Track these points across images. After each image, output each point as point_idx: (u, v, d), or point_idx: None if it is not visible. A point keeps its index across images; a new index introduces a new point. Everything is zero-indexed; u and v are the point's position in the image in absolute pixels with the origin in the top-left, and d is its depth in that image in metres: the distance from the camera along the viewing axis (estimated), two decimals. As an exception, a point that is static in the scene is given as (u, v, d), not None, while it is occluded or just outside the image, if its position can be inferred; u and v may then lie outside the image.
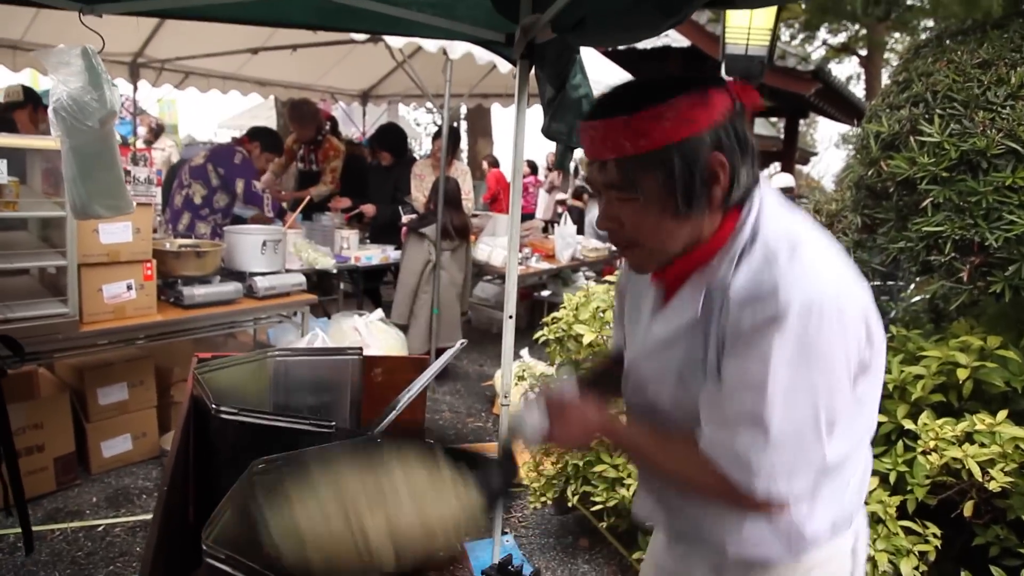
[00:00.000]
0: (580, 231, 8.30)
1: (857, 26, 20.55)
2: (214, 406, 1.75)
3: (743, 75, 3.72)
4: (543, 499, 3.18)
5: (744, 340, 1.02)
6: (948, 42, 2.76)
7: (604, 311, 2.92)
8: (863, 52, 20.23)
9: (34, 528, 3.05)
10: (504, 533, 3.16)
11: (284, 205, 5.49)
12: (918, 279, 2.69)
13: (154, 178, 3.22)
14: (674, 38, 9.82)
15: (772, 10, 3.53)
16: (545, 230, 7.89)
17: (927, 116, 2.47)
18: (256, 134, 4.76)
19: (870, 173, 2.65)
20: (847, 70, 21.67)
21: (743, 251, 1.06)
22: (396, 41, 4.20)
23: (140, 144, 7.41)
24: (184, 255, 3.59)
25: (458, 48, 4.45)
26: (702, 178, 1.03)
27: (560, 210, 9.96)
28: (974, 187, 2.33)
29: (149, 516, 3.25)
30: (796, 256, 1.02)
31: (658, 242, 1.09)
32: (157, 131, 8.32)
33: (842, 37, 21.12)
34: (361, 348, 2.35)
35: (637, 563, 2.86)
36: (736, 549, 1.18)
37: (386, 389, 2.30)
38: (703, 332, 1.10)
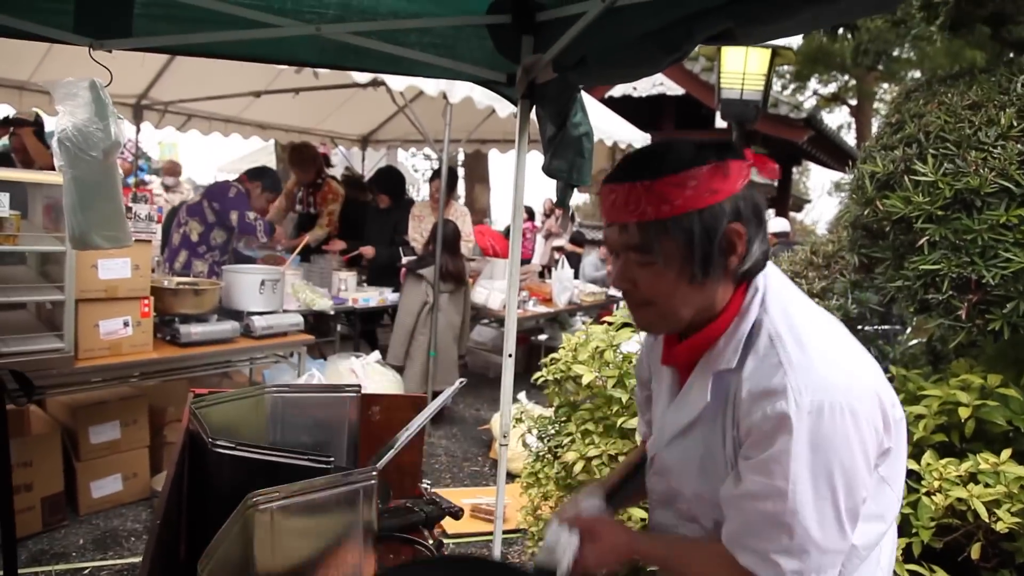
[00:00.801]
0: (576, 276, 8.32)
1: (846, 77, 21.07)
2: (211, 440, 1.73)
3: (738, 119, 3.78)
4: (540, 543, 3.12)
5: (756, 442, 1.03)
6: (938, 86, 2.82)
7: (603, 351, 2.91)
8: (853, 102, 20.68)
9: (19, 571, 2.98)
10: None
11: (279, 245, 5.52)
12: (916, 318, 2.69)
13: (155, 215, 3.23)
14: (669, 87, 10.02)
15: (766, 56, 3.60)
16: (541, 275, 7.91)
17: (920, 156, 2.50)
18: (257, 174, 4.80)
19: (866, 212, 2.67)
20: (838, 119, 22.10)
21: (749, 336, 1.08)
22: (397, 84, 4.27)
23: (158, 187, 7.48)
24: (182, 293, 3.58)
25: (458, 92, 4.53)
26: (720, 247, 1.05)
27: (557, 256, 10.01)
28: (969, 225, 2.35)
29: (137, 559, 3.18)
30: (803, 349, 1.03)
31: (671, 306, 1.10)
32: (176, 172, 8.40)
33: (832, 87, 21.62)
34: (359, 386, 2.33)
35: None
36: None
37: (383, 428, 2.28)
38: (719, 421, 1.11)
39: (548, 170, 2.21)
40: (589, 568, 1.22)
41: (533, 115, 2.35)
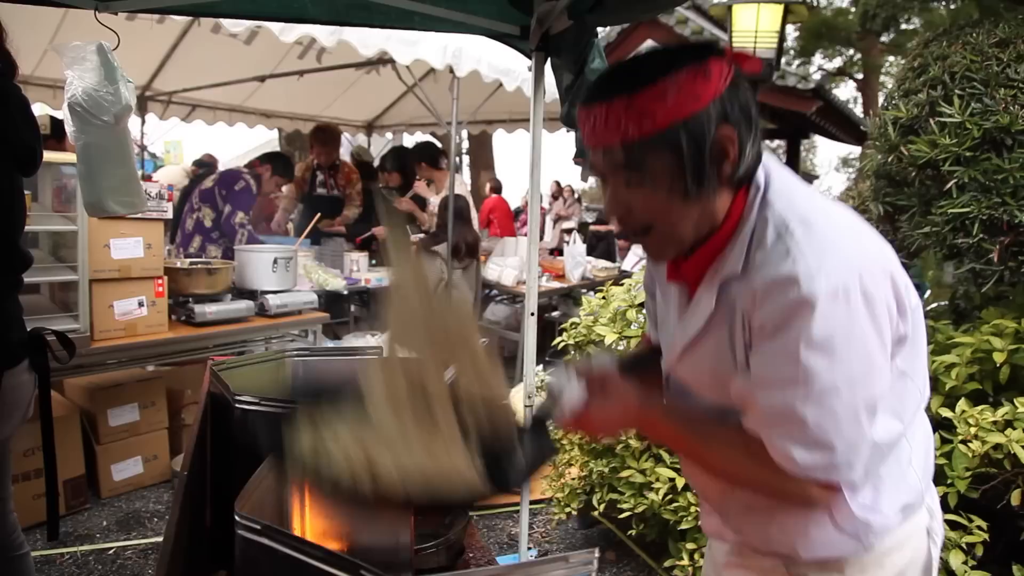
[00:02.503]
0: (610, 256, 8.29)
1: (852, 51, 20.86)
2: (234, 396, 1.69)
3: (751, 78, 3.69)
4: (568, 510, 3.08)
5: (769, 332, 0.97)
6: (960, 31, 2.75)
7: (624, 311, 2.87)
8: (859, 76, 20.48)
9: (42, 552, 2.98)
10: (529, 548, 3.06)
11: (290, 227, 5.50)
12: (942, 267, 2.63)
13: (165, 194, 3.19)
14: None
15: (779, 12, 3.53)
16: (551, 254, 7.87)
17: (946, 97, 2.44)
18: (268, 158, 4.78)
19: (890, 160, 2.62)
20: (844, 94, 21.87)
21: (754, 233, 1.01)
22: (404, 58, 4.22)
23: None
24: (195, 273, 3.55)
25: (465, 65, 4.48)
26: (711, 155, 0.98)
27: (567, 238, 9.97)
28: (999, 165, 2.29)
29: (161, 539, 3.17)
30: (812, 234, 0.96)
31: (670, 225, 1.04)
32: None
33: (837, 62, 21.41)
34: (381, 347, 2.30)
35: (666, 573, 2.76)
36: (808, 554, 1.14)
37: (406, 392, 2.24)
38: (727, 328, 1.05)
39: (566, 119, 2.16)
40: (591, 426, 1.14)
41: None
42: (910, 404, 1.12)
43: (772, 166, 1.07)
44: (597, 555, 0.88)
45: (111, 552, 3.07)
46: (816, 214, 0.99)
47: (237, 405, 1.71)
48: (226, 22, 3.65)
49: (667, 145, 0.97)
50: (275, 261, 3.83)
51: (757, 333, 0.99)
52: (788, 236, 0.97)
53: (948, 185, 2.40)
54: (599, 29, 2.15)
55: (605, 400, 1.10)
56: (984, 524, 2.28)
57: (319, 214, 5.06)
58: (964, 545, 2.22)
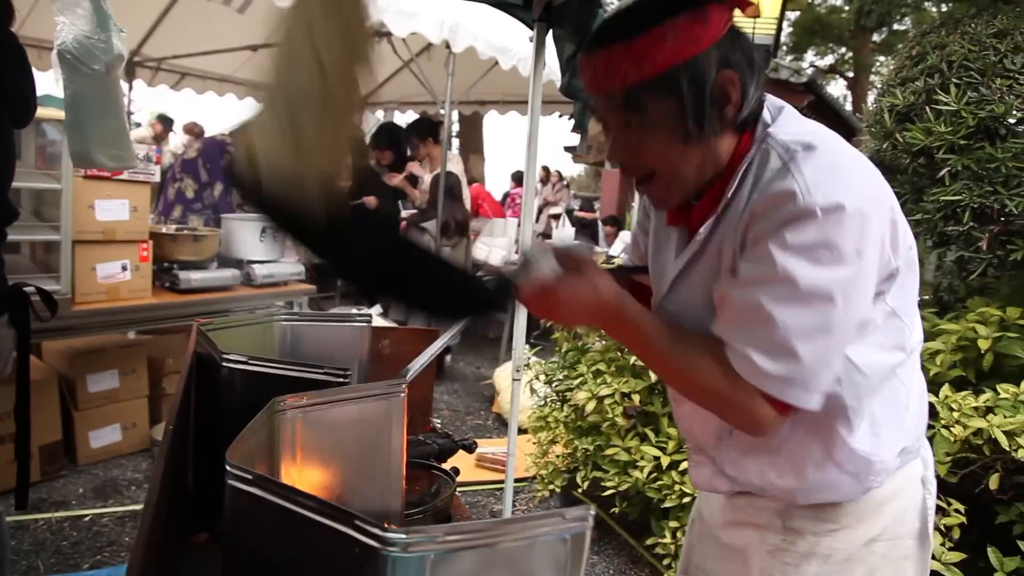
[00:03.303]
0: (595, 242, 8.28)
1: (843, 49, 20.95)
2: (221, 355, 1.67)
3: (749, 63, 3.70)
4: (551, 487, 3.09)
5: (759, 239, 0.95)
6: (959, 20, 2.76)
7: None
8: (850, 75, 20.59)
9: (15, 518, 2.93)
10: (509, 524, 3.06)
11: None
12: (934, 251, 2.64)
13: (153, 156, 3.14)
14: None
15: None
16: (539, 237, 7.85)
17: (943, 85, 2.45)
18: None
19: (884, 147, 2.62)
20: (834, 92, 21.98)
21: (756, 163, 1.00)
22: (400, 31, 4.17)
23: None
24: (181, 239, 3.51)
25: (461, 41, 4.44)
26: (712, 98, 0.98)
27: (554, 224, 9.96)
28: (992, 154, 2.30)
29: (139, 507, 3.13)
30: (813, 156, 0.95)
31: (674, 170, 1.03)
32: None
33: (829, 59, 21.51)
34: (370, 315, 2.28)
35: (647, 552, 2.77)
36: (805, 499, 1.13)
37: (394, 362, 2.22)
38: (717, 249, 1.04)
39: (567, 90, 2.15)
40: (555, 303, 1.03)
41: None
42: (901, 344, 1.10)
43: (778, 104, 1.06)
44: (592, 512, 0.86)
45: (87, 519, 3.04)
46: (820, 140, 0.98)
47: (225, 364, 1.69)
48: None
49: (667, 88, 0.97)
50: (263, 230, 3.79)
51: (749, 244, 0.98)
52: (789, 159, 0.96)
53: (941, 173, 2.41)
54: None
55: (577, 279, 1.02)
56: (962, 508, 2.31)
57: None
58: (943, 527, 2.25)
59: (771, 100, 1.06)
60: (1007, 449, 2.18)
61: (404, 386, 1.57)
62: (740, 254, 1.00)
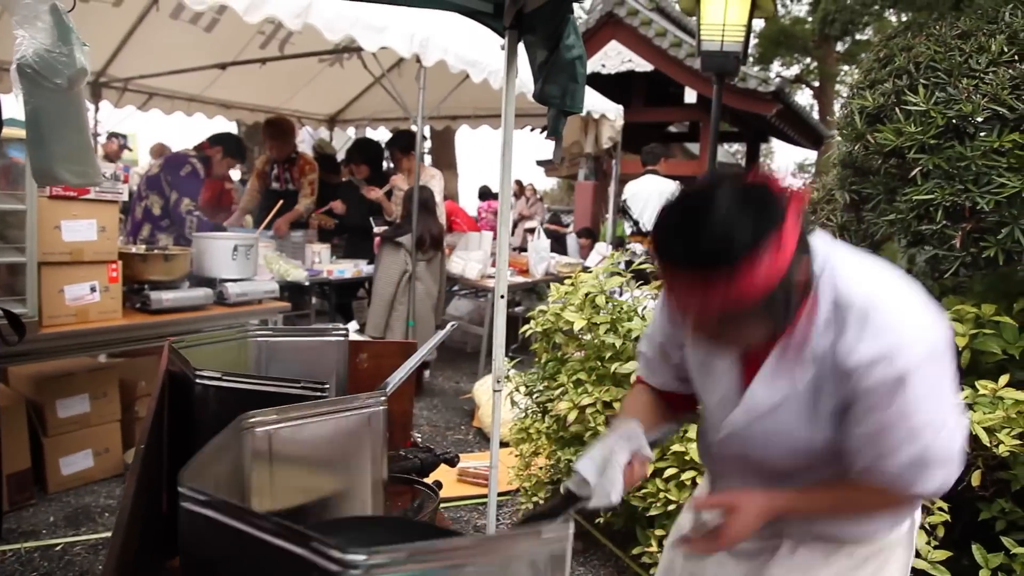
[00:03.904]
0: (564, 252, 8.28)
1: (808, 59, 21.32)
2: (195, 371, 1.62)
3: (719, 70, 3.73)
4: (535, 499, 3.06)
5: (877, 398, 1.09)
6: (925, 23, 2.80)
7: (593, 298, 2.85)
8: (815, 84, 20.94)
9: (-15, 550, 2.84)
10: (492, 538, 3.02)
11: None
12: (909, 251, 2.66)
13: (121, 175, 3.08)
14: (637, 63, 10.01)
15: (746, 6, 3.56)
16: (514, 252, 7.84)
17: (911, 86, 2.48)
18: (219, 139, 4.65)
19: (856, 148, 2.65)
20: (801, 101, 22.36)
21: (832, 315, 1.12)
22: (371, 45, 4.15)
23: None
24: (151, 259, 3.44)
25: (431, 55, 4.43)
26: (797, 294, 1.09)
27: (530, 238, 9.94)
28: (962, 152, 2.33)
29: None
30: (892, 313, 1.09)
31: (749, 338, 1.14)
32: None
33: (795, 69, 21.87)
34: (347, 329, 2.24)
35: (633, 561, 2.75)
36: (847, 533, 1.30)
37: (372, 376, 2.19)
38: (812, 395, 1.16)
39: (540, 96, 2.13)
40: (740, 537, 1.23)
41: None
42: None
43: (826, 243, 1.17)
44: (572, 528, 0.83)
45: (58, 548, 2.94)
46: (888, 295, 1.12)
47: (198, 381, 1.65)
48: (189, 0, 3.53)
49: (762, 307, 1.04)
50: (235, 248, 3.74)
51: (863, 399, 1.10)
52: (872, 317, 1.08)
53: (913, 173, 2.43)
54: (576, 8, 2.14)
55: (739, 516, 1.21)
56: (945, 506, 2.32)
57: (281, 201, 4.95)
58: (927, 526, 2.25)
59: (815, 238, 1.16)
60: (987, 445, 2.19)
61: (384, 398, 1.53)
62: (848, 406, 1.13)
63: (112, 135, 7.90)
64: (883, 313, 1.09)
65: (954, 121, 2.37)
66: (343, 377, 2.22)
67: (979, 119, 2.33)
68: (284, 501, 1.28)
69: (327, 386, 1.57)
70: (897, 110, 2.49)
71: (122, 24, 5.31)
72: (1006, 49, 2.36)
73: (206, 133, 4.77)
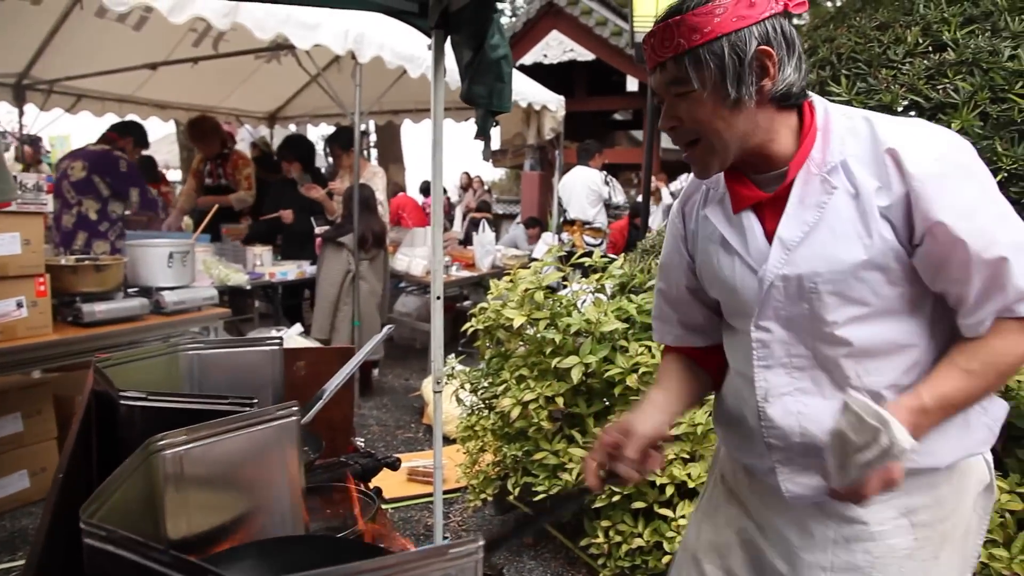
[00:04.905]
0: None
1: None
2: (118, 392, 1.58)
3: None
4: (483, 496, 3.06)
5: (939, 180, 1.07)
6: (847, 13, 2.87)
7: (532, 294, 2.86)
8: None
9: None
10: (445, 538, 3.02)
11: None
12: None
13: (44, 185, 2.98)
14: (579, 52, 10.04)
15: (677, -3, 3.60)
16: (461, 244, 7.83)
17: (834, 77, 2.54)
18: (125, 128, 4.59)
19: (784, 139, 2.70)
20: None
21: (849, 127, 1.15)
22: (303, 43, 4.07)
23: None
24: (82, 270, 3.33)
25: (367, 51, 4.37)
26: (751, 68, 1.10)
27: (475, 230, 9.93)
28: (884, 141, 2.40)
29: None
30: (898, 121, 1.15)
31: (716, 133, 1.15)
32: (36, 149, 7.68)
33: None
34: (281, 338, 2.21)
35: (584, 552, 2.78)
36: (950, 457, 1.19)
37: (311, 384, 2.16)
38: (853, 203, 1.12)
39: (467, 97, 2.12)
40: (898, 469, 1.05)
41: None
42: None
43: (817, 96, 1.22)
44: (481, 543, 0.82)
45: (-6, 573, 2.85)
46: (881, 115, 1.18)
47: (123, 402, 1.60)
48: (109, 1, 3.41)
49: (711, 54, 1.10)
50: (170, 256, 3.64)
51: (922, 186, 1.07)
52: (886, 124, 1.14)
53: (837, 162, 2.49)
54: (503, 20, 2.13)
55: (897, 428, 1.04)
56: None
57: (216, 206, 4.84)
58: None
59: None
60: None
61: (296, 408, 1.51)
62: (908, 204, 1.08)
63: (27, 139, 7.59)
64: (906, 120, 1.16)
65: (875, 111, 2.43)
66: (279, 387, 2.18)
67: (899, 108, 2.40)
68: (201, 524, 1.25)
69: (255, 401, 1.54)
70: (821, 101, 2.55)
71: (44, 23, 5.10)
72: (921, 40, 2.43)
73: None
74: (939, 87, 2.35)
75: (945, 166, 1.08)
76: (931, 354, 1.16)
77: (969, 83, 2.31)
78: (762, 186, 1.21)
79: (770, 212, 1.20)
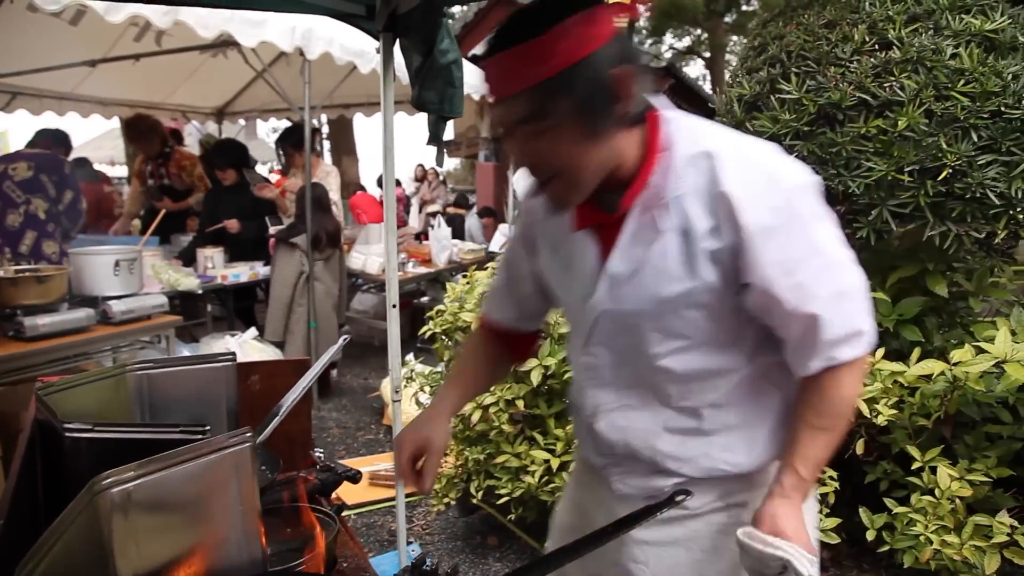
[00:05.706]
0: (461, 237, 8.23)
1: (699, 31, 21.84)
2: (62, 424, 1.51)
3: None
4: (446, 500, 3.05)
5: (767, 234, 1.04)
6: (795, 10, 2.89)
7: (491, 296, 2.84)
8: (707, 55, 21.50)
9: None
10: (409, 543, 3.00)
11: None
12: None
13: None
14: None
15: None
16: (418, 239, 7.75)
17: (784, 75, 2.56)
18: (57, 137, 4.47)
19: (736, 136, 2.72)
20: (693, 72, 22.93)
21: (692, 159, 1.08)
22: (249, 41, 3.96)
23: None
24: (23, 281, 3.20)
25: (315, 48, 4.28)
26: (607, 93, 1.03)
27: (432, 222, 9.85)
28: (833, 138, 2.43)
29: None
30: (760, 151, 1.09)
31: (578, 169, 1.07)
32: None
33: (687, 41, 22.37)
34: (234, 354, 2.15)
35: (548, 552, 2.78)
36: (751, 466, 1.22)
37: (266, 398, 2.11)
38: (682, 241, 1.09)
39: (417, 102, 2.09)
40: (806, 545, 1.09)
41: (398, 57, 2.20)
42: None
43: (658, 102, 1.13)
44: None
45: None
46: (735, 143, 1.10)
47: (67, 434, 1.54)
48: (40, 1, 3.27)
49: (567, 86, 1.00)
50: (116, 263, 3.53)
51: (753, 235, 1.04)
52: (731, 159, 1.06)
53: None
54: (455, 10, 2.09)
55: (788, 522, 1.09)
56: (835, 474, 2.45)
57: (164, 211, 4.71)
58: (818, 496, 2.37)
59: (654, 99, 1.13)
60: (868, 416, 2.32)
61: (250, 434, 1.47)
62: (737, 249, 1.06)
63: None
64: (752, 151, 1.08)
65: (825, 108, 2.46)
66: (233, 404, 2.12)
67: (847, 106, 2.43)
68: (153, 562, 1.20)
69: (208, 428, 1.49)
70: (772, 98, 2.57)
71: (-30, 20, 4.88)
72: (867, 39, 2.47)
73: (83, 133, 4.53)
74: (885, 85, 2.38)
75: (778, 218, 1.04)
76: (753, 374, 1.19)
77: (914, 81, 2.35)
78: (606, 203, 1.16)
79: (608, 235, 1.17)
